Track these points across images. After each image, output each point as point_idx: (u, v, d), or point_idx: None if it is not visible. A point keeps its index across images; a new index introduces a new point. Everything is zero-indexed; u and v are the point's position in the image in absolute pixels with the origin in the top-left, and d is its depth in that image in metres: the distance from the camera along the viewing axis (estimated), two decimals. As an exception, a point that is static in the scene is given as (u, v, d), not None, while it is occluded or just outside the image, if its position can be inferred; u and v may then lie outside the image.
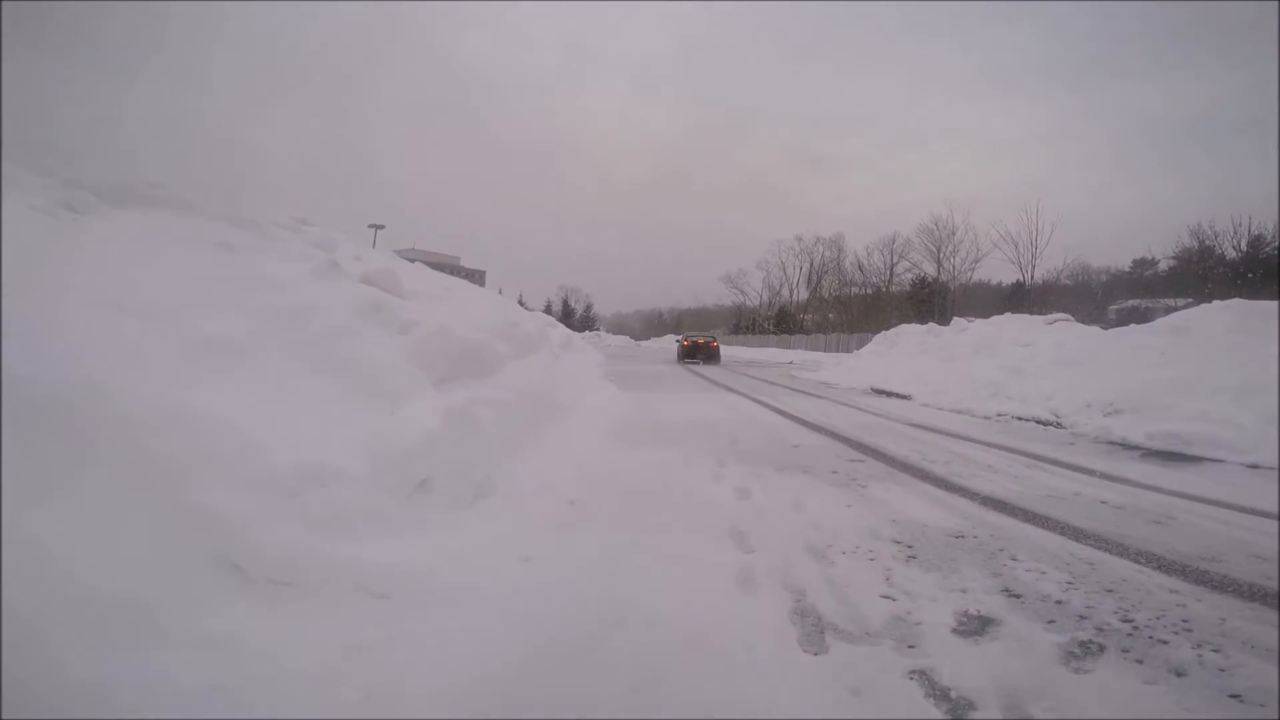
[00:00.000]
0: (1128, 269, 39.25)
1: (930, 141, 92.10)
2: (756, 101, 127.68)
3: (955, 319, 15.54)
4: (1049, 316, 14.31)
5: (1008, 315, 16.11)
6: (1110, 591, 2.61)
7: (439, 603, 2.15)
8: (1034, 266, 38.02)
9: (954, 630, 2.23)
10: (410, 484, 2.72)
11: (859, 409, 8.98)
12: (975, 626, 2.27)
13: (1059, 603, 2.49)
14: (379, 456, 2.68)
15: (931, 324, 16.23)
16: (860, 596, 2.48)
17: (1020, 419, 8.15)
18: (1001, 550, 3.06)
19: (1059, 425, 7.71)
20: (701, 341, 23.58)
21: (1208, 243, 33.43)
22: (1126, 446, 6.32)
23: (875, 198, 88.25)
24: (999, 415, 8.45)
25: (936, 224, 42.89)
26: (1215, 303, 9.40)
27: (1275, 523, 3.58)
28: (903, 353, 14.99)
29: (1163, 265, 37.24)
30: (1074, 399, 8.27)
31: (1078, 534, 3.34)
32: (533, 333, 6.01)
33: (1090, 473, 4.96)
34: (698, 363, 22.14)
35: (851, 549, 3.01)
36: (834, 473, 4.61)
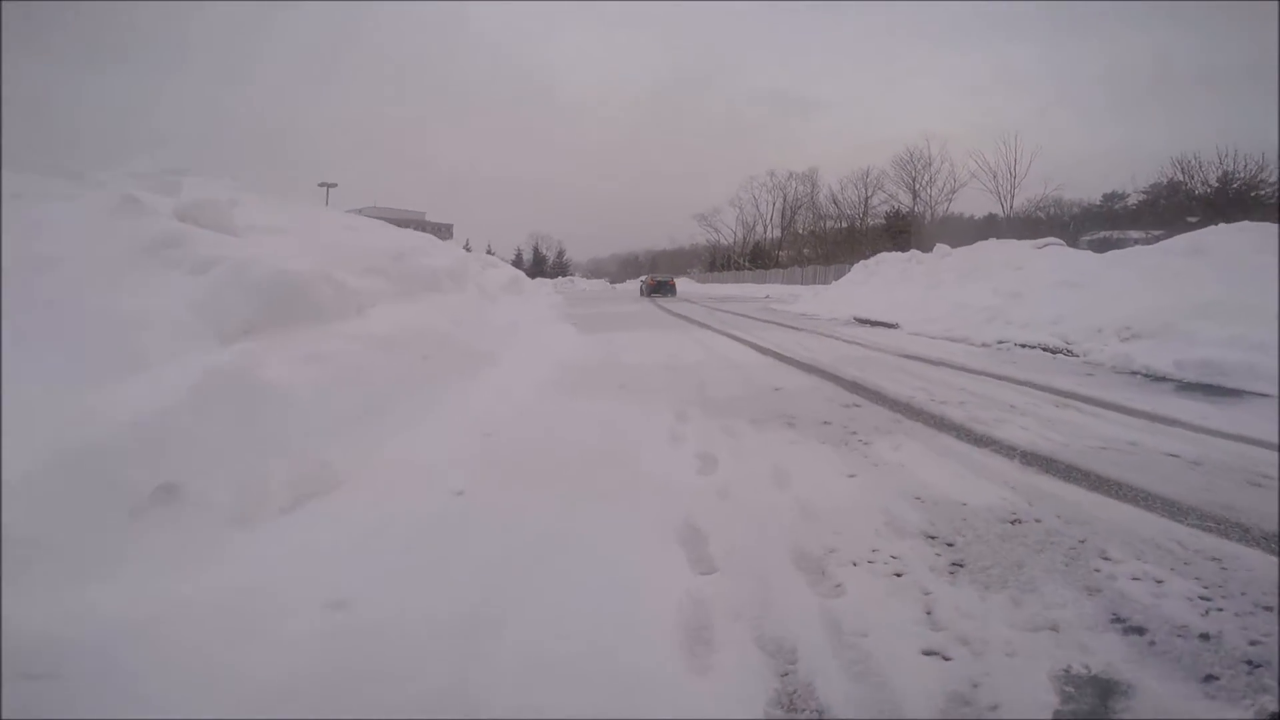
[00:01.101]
0: (1098, 202, 38.92)
1: (908, 81, 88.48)
2: (731, 44, 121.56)
3: (938, 245, 14.49)
4: (1039, 241, 13.34)
5: (992, 240, 15.12)
6: (1269, 609, 1.65)
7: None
8: (1012, 197, 37.11)
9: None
10: (130, 495, 1.59)
11: (844, 340, 7.98)
12: (1093, 707, 1.28)
13: (1206, 638, 1.52)
14: (69, 457, 1.53)
15: (913, 251, 15.17)
16: (889, 657, 1.46)
17: (1024, 346, 7.24)
18: (1083, 543, 2.07)
19: (1069, 352, 6.82)
20: (663, 280, 30.41)
21: (1177, 179, 33.40)
22: (1153, 377, 5.44)
23: (850, 137, 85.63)
24: (999, 342, 7.53)
25: (912, 155, 41.49)
26: (1236, 223, 8.51)
27: None
28: (884, 281, 14.00)
29: (1133, 200, 37.66)
30: (1083, 324, 7.37)
31: (1170, 508, 2.38)
32: (437, 268, 4.72)
33: (1132, 412, 4.03)
34: (664, 297, 27.37)
35: (864, 555, 1.98)
36: (825, 423, 3.58)
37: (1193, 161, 31.56)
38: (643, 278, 37.93)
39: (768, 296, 25.54)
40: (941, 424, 3.62)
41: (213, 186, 6.50)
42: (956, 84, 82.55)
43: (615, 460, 2.81)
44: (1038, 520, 2.28)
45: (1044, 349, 7.05)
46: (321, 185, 35.66)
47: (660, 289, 29.10)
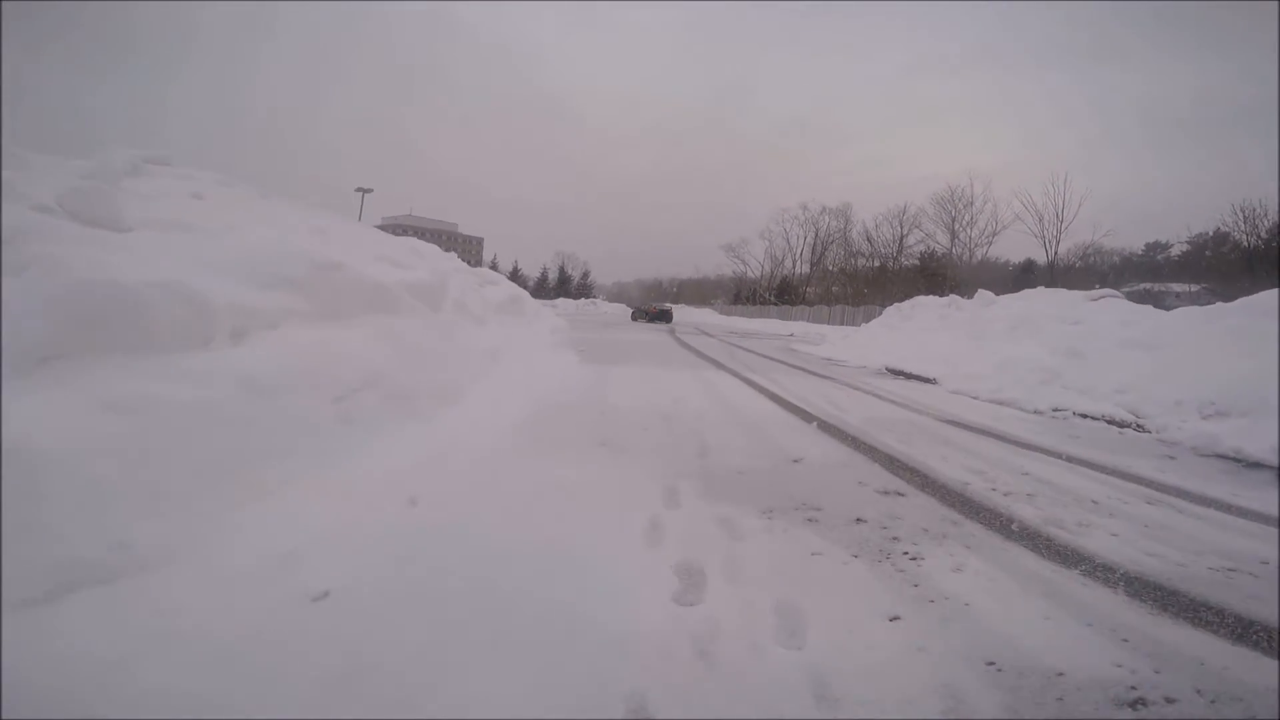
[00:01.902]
0: (1140, 251, 37.54)
1: (944, 117, 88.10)
2: (764, 74, 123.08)
3: (980, 291, 13.52)
4: (1093, 292, 12.32)
5: (1041, 289, 14.12)
6: None
7: None
8: (1058, 242, 35.70)
9: None
10: None
11: (876, 395, 7.09)
12: None
13: None
14: None
15: (952, 296, 14.21)
16: None
17: (1085, 416, 6.28)
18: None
19: (1140, 427, 5.85)
20: (660, 309, 33.39)
21: (1223, 229, 31.79)
22: (1247, 464, 4.50)
23: (885, 174, 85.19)
24: (1055, 410, 6.57)
25: (953, 193, 40.41)
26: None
27: None
28: (919, 327, 13.05)
29: (1175, 250, 36.42)
30: (1156, 393, 6.40)
31: None
32: (388, 284, 3.93)
33: (1246, 514, 3.19)
34: (660, 323, 29.73)
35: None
36: (859, 521, 2.73)
37: (1257, 209, 29.49)
38: (632, 309, 39.65)
39: (792, 335, 24.63)
40: (1011, 529, 2.76)
41: (201, 179, 6.01)
42: (994, 118, 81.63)
43: (556, 577, 1.99)
44: (1170, 700, 1.44)
45: (1109, 421, 6.09)
46: (358, 190, 36.22)
47: (658, 317, 31.80)
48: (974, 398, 7.57)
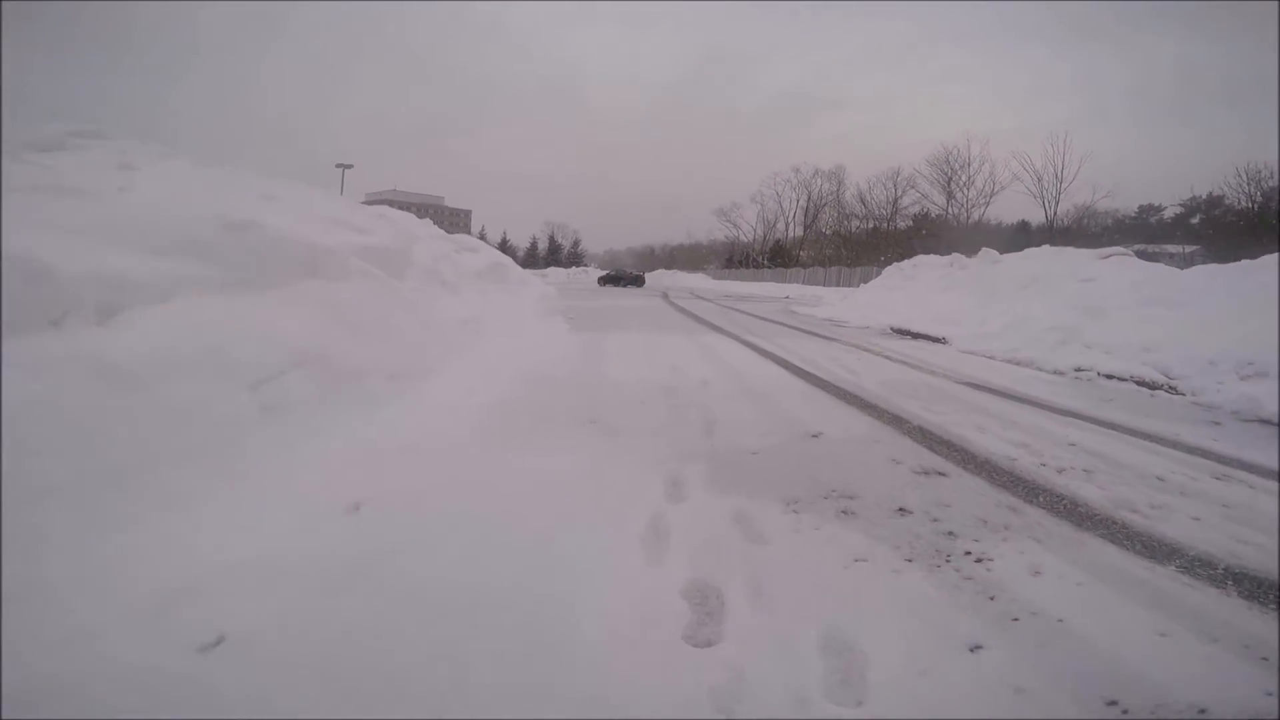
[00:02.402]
0: (1133, 214, 37.21)
1: (941, 83, 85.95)
2: (757, 41, 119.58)
3: (984, 250, 13.01)
4: (1102, 250, 11.82)
5: (1047, 248, 13.62)
6: None
7: None
8: (1057, 203, 35.06)
9: None
10: None
11: (887, 357, 6.63)
12: None
13: None
14: None
15: (955, 255, 13.67)
16: None
17: (1111, 377, 5.85)
18: None
19: (1173, 389, 5.43)
20: (633, 275, 32.74)
21: (1217, 193, 31.98)
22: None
23: (880, 136, 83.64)
24: (1077, 370, 6.14)
25: (949, 155, 39.46)
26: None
27: None
28: (923, 288, 12.55)
29: (1168, 213, 36.82)
30: (1185, 353, 5.97)
31: None
32: (327, 246, 3.29)
33: None
34: (631, 287, 29.31)
35: None
36: (902, 512, 2.27)
37: (1262, 170, 29.12)
38: (602, 273, 38.87)
39: (788, 297, 24.11)
40: (1078, 514, 2.32)
41: (139, 152, 5.34)
42: (990, 87, 79.99)
43: (529, 619, 1.51)
44: None
45: (1139, 383, 5.66)
46: (338, 167, 34.91)
47: (631, 282, 30.53)
48: (989, 357, 7.14)
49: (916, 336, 8.90)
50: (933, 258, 13.98)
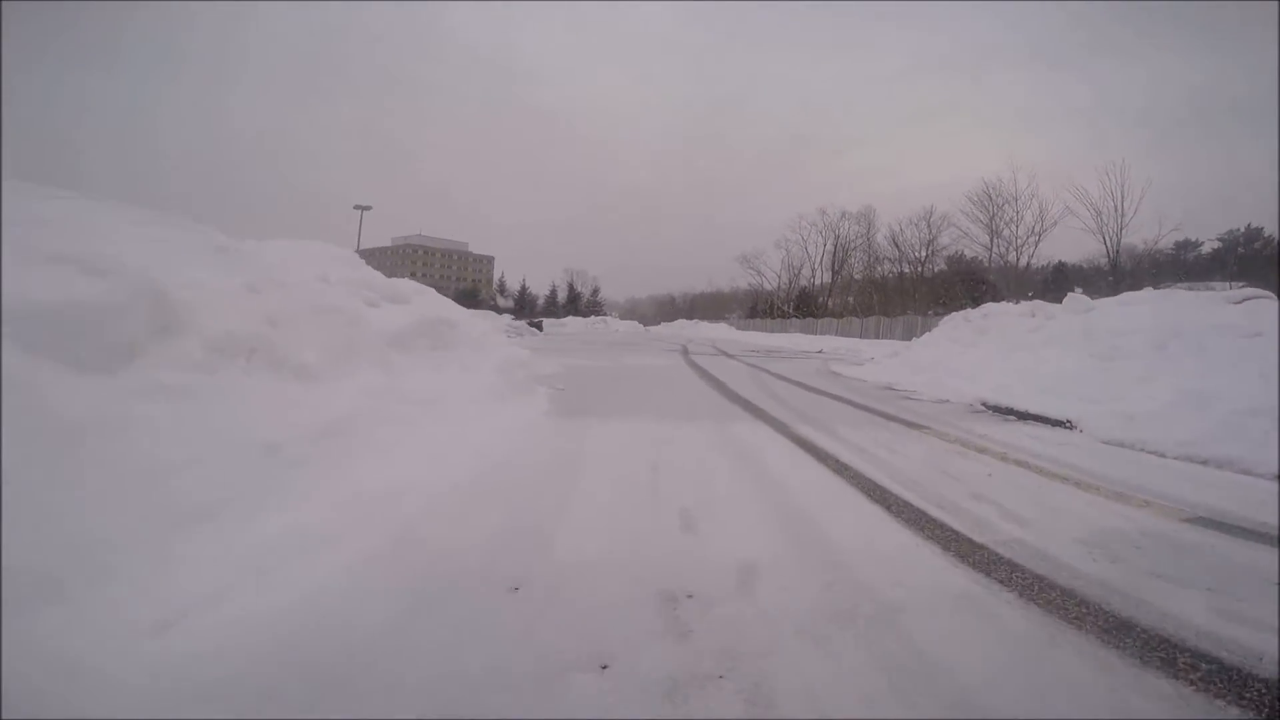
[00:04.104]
0: (1170, 249, 35.36)
1: (947, 119, 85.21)
2: (763, 83, 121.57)
3: (1071, 295, 10.73)
4: (1233, 293, 9.46)
5: (1149, 290, 11.29)
6: None
7: None
8: (1119, 239, 32.41)
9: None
10: None
11: (1027, 465, 4.34)
12: None
13: None
14: None
15: (1036, 301, 11.40)
16: None
17: None
18: None
19: None
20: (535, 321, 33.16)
21: (1255, 226, 30.80)
22: None
23: (890, 182, 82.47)
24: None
25: (991, 191, 37.18)
26: None
27: None
28: (1001, 343, 10.24)
29: (1206, 248, 35.87)
30: None
31: None
32: None
33: None
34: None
35: None
36: None
37: None
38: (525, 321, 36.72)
39: (821, 352, 21.83)
40: None
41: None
42: (1009, 111, 78.28)
43: None
44: None
45: None
46: (356, 208, 34.34)
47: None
48: (1161, 456, 4.82)
49: (1024, 417, 6.57)
50: (1007, 305, 11.72)
